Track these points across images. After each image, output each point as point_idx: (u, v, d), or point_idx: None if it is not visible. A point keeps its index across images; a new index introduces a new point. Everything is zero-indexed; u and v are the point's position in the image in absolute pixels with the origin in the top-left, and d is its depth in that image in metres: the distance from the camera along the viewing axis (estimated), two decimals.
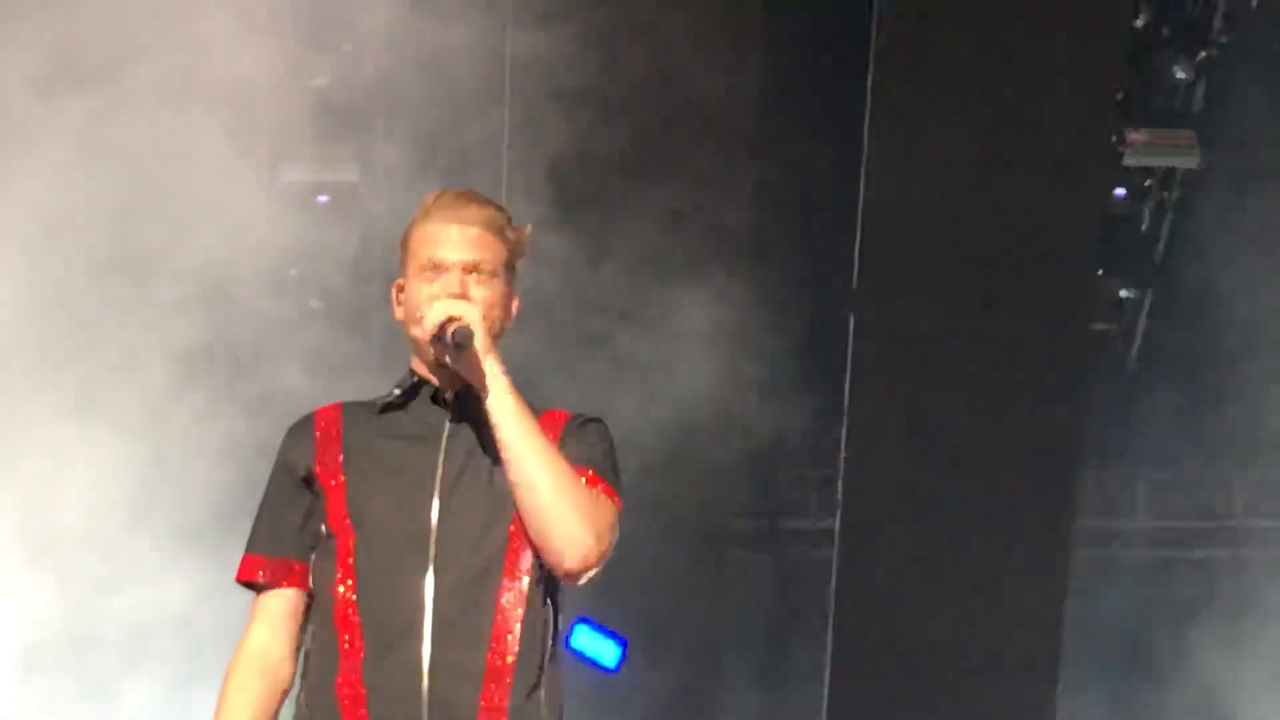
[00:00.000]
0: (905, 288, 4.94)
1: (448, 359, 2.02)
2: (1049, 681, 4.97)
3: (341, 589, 2.02)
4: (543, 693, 2.02)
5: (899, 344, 4.96)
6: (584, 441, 2.05)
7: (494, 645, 1.99)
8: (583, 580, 2.04)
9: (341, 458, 2.07)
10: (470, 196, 2.15)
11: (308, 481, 2.06)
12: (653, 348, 4.66)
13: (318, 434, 2.08)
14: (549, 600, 2.04)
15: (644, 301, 4.70)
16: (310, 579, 2.07)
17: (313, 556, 2.07)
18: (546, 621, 2.05)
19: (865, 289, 4.87)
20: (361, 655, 2.00)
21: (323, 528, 2.07)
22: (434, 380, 2.08)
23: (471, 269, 2.04)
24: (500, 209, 2.14)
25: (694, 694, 5.30)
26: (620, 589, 4.40)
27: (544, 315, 4.20)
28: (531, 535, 2.01)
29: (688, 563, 5.00)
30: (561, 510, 1.99)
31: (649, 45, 4.65)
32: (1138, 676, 5.50)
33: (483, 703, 1.98)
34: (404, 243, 2.13)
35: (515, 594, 2.01)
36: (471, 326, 1.97)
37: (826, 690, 5.29)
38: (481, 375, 2.00)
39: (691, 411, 4.69)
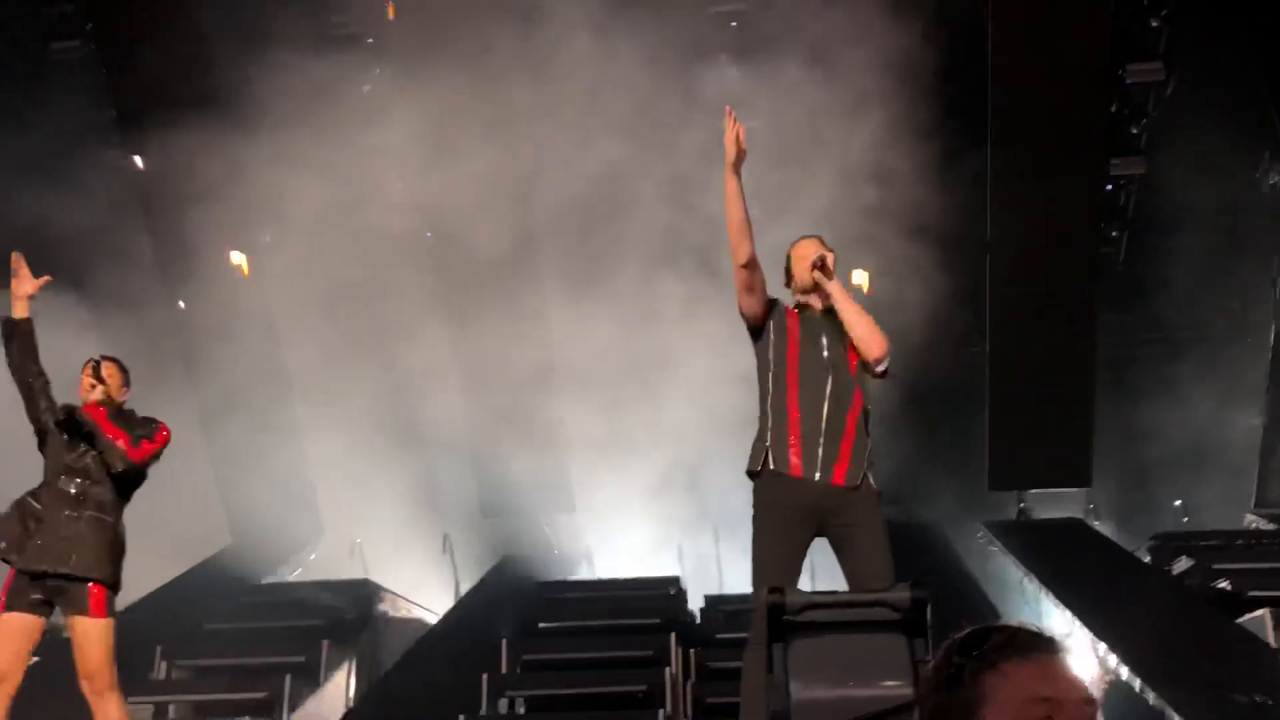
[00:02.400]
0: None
1: (816, 281, 4.28)
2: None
3: (787, 383, 4.23)
4: (869, 448, 4.23)
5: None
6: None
7: (851, 413, 4.24)
8: (880, 368, 4.28)
9: (792, 320, 4.38)
10: (812, 237, 4.48)
11: (778, 318, 4.37)
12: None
13: (787, 310, 4.43)
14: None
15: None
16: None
17: (769, 325, 4.30)
18: (868, 408, 4.33)
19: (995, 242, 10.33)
20: (798, 415, 4.16)
21: (784, 341, 4.28)
22: (809, 300, 4.40)
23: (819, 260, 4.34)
24: (821, 239, 4.42)
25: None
26: None
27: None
28: (860, 349, 4.22)
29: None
30: (873, 334, 4.26)
31: None
32: None
33: (846, 435, 4.23)
34: (788, 258, 4.44)
35: (860, 392, 4.30)
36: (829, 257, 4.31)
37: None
38: (832, 285, 4.30)
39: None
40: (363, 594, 9.07)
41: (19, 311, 4.84)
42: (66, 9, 10.04)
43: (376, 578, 9.85)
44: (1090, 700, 1.69)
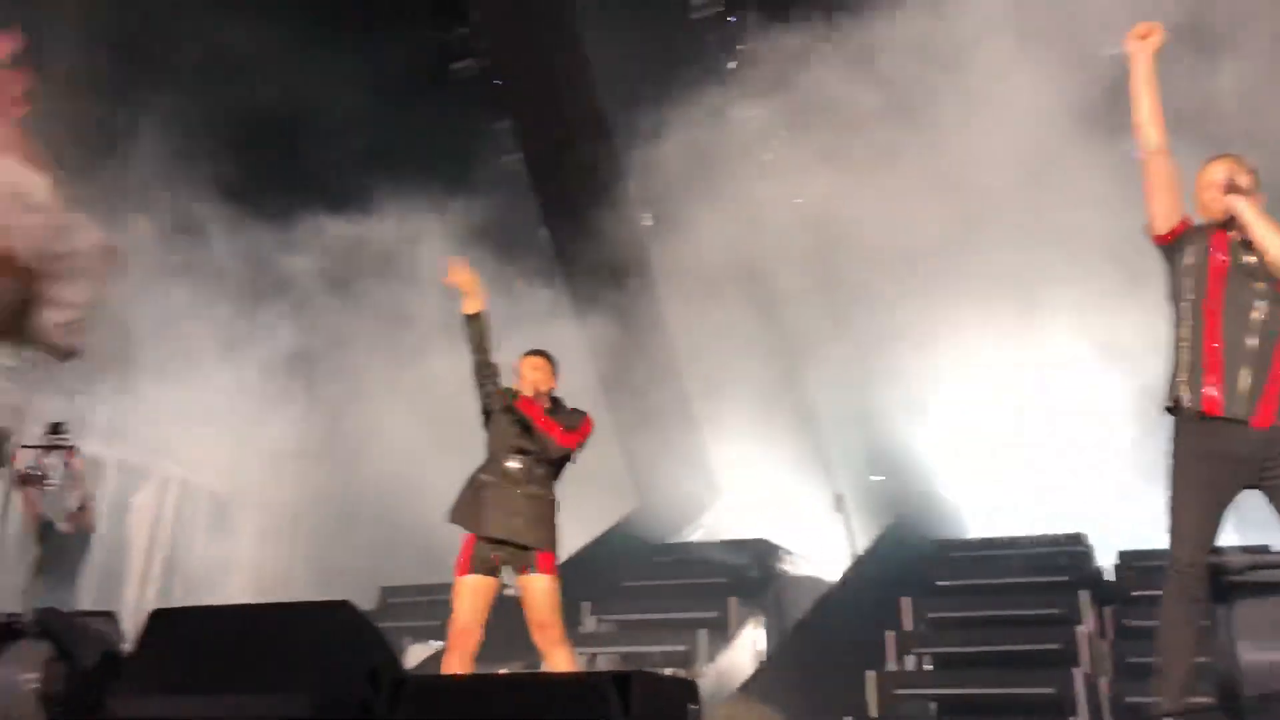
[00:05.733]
0: None
1: (1230, 202, 3.92)
2: None
3: (1205, 311, 3.89)
4: None
5: None
6: None
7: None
8: None
9: (1218, 239, 3.98)
10: (1222, 157, 4.09)
11: (1199, 237, 4.01)
12: None
13: (1214, 229, 3.98)
14: None
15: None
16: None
17: (1185, 245, 3.96)
18: None
19: None
20: (1219, 346, 3.80)
21: (1205, 261, 3.94)
22: (1219, 219, 4.00)
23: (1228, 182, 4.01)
24: (1236, 158, 4.11)
25: None
26: None
27: None
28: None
29: None
30: None
31: None
32: None
33: (1274, 372, 3.79)
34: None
35: None
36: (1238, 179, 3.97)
37: None
38: (1243, 207, 3.93)
39: None
40: (763, 552, 9.45)
41: (470, 308, 5.49)
42: (463, 32, 11.12)
43: (771, 537, 10.11)
44: None
